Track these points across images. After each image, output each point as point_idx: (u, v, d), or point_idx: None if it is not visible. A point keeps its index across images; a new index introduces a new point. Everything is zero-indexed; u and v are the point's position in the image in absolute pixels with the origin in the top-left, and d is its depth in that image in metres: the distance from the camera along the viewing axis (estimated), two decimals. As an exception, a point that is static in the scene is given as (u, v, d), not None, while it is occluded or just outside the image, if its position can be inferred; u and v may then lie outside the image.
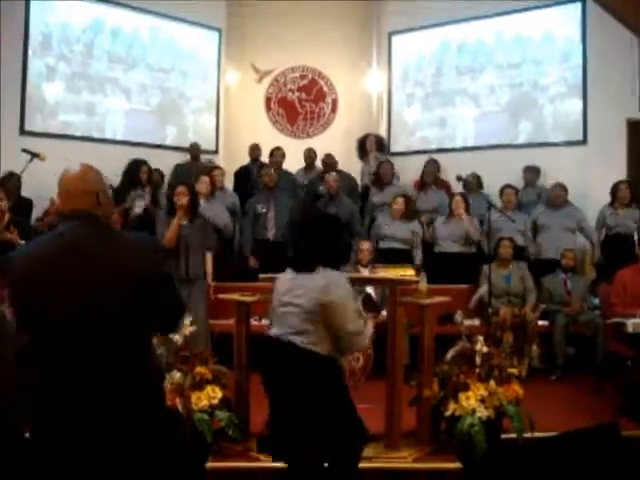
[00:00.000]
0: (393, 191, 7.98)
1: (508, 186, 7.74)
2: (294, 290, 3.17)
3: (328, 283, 3.10)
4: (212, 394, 4.18)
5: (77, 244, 2.28)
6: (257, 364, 3.29)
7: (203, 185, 7.02)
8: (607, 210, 7.37)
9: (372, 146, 9.05)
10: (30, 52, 8.38)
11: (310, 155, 9.21)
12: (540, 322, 6.55)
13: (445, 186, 8.66)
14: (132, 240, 2.49)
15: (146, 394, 2.32)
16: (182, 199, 5.77)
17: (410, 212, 7.49)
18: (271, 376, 3.20)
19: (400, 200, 7.46)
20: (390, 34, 10.18)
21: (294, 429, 3.12)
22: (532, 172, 8.42)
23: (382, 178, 8.27)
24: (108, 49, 9.13)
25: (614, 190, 7.31)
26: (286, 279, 3.27)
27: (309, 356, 3.10)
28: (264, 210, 7.58)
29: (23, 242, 6.08)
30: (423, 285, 4.41)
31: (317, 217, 3.50)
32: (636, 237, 7.20)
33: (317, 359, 3.11)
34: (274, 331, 3.22)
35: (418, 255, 7.36)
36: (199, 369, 4.21)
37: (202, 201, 6.64)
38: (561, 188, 7.60)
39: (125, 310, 2.26)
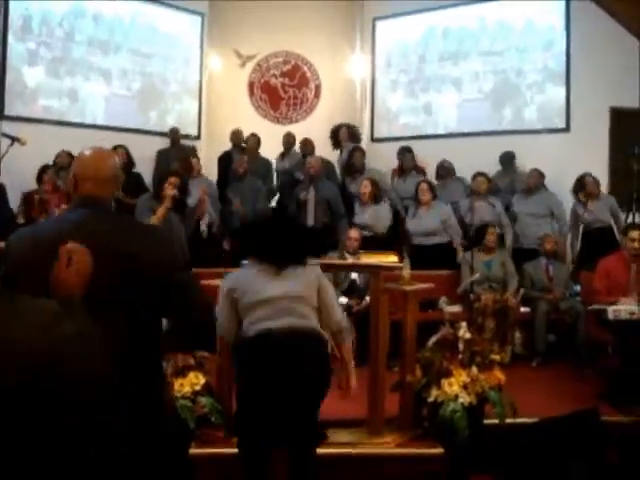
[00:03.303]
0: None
1: (480, 174, 7.71)
2: (286, 282, 3.28)
3: (316, 270, 3.37)
4: (195, 380, 4.18)
5: (87, 230, 2.17)
6: (259, 362, 3.24)
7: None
8: (578, 206, 7.39)
9: (345, 137, 9.01)
10: (10, 36, 8.25)
11: (289, 140, 9.17)
12: (522, 309, 6.59)
13: (422, 172, 8.66)
14: (143, 229, 2.43)
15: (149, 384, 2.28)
16: (171, 190, 5.79)
17: (377, 195, 7.46)
18: (282, 366, 3.19)
19: (366, 182, 7.44)
20: (374, 20, 10.14)
21: (298, 414, 3.25)
22: (508, 159, 8.41)
23: (354, 165, 8.24)
24: (89, 33, 9.00)
25: (579, 184, 7.36)
26: (265, 275, 3.30)
27: (318, 337, 3.31)
28: (232, 197, 7.64)
29: None
30: (406, 271, 4.42)
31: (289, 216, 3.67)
32: (614, 225, 7.28)
33: (323, 339, 3.34)
34: (269, 324, 3.22)
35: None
36: (182, 355, 4.20)
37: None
38: (537, 173, 7.64)
39: (128, 297, 2.16)
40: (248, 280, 3.32)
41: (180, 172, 6.53)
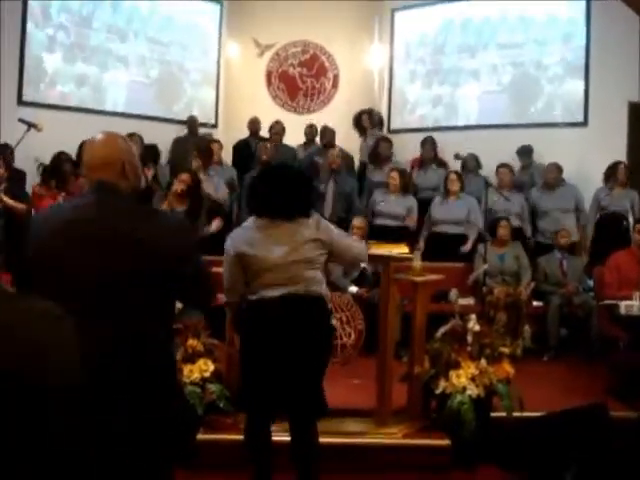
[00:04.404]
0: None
1: (503, 165, 7.71)
2: (290, 246, 3.24)
3: (317, 221, 3.31)
4: (204, 367, 4.21)
5: (91, 217, 2.20)
6: (260, 330, 3.28)
7: (195, 163, 7.03)
8: (602, 191, 7.39)
9: (368, 123, 9.02)
10: (29, 22, 8.28)
11: (311, 132, 9.22)
12: (535, 302, 6.57)
13: (443, 165, 8.63)
14: (158, 216, 2.43)
15: (162, 377, 2.28)
16: (179, 186, 5.83)
17: (406, 186, 7.48)
18: (281, 335, 3.22)
19: (395, 174, 7.45)
20: (393, 10, 10.09)
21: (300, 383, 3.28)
22: (526, 152, 8.36)
23: (380, 155, 8.26)
24: (107, 20, 9.03)
25: (611, 170, 7.31)
26: (269, 237, 3.27)
27: (320, 304, 3.31)
28: None
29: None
30: (417, 262, 4.42)
31: (294, 170, 3.58)
32: (630, 218, 7.23)
33: (324, 302, 3.34)
34: (273, 292, 3.23)
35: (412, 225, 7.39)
36: (191, 342, 4.23)
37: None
38: (556, 168, 7.59)
39: (138, 285, 2.17)
40: (254, 243, 3.27)
41: (196, 167, 6.58)
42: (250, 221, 3.38)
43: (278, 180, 3.34)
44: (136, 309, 2.18)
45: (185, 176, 5.98)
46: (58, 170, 6.87)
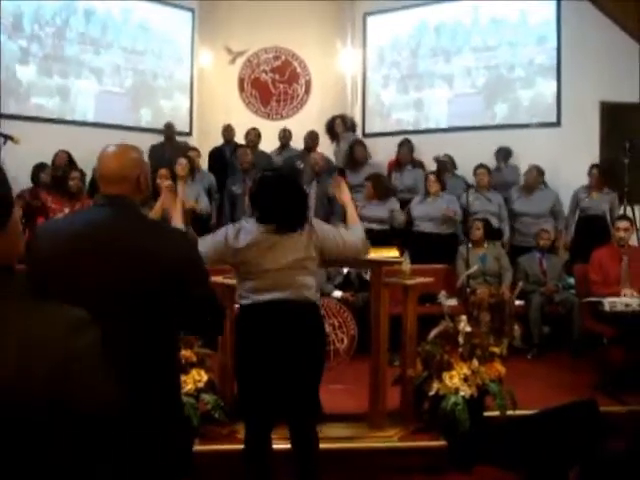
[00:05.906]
0: (367, 171, 7.93)
1: (481, 166, 7.78)
2: (288, 251, 3.25)
3: (312, 227, 3.34)
4: (197, 377, 4.19)
5: (98, 229, 2.19)
6: (257, 331, 3.26)
7: (180, 167, 6.98)
8: (581, 193, 7.47)
9: (341, 127, 9.04)
10: (2, 34, 8.17)
11: (285, 135, 9.24)
12: (517, 302, 6.63)
13: (420, 166, 8.68)
14: (164, 230, 2.43)
15: (162, 389, 2.26)
16: (166, 181, 5.77)
17: (382, 192, 7.44)
18: (279, 337, 3.21)
19: (368, 184, 7.38)
20: (365, 15, 10.13)
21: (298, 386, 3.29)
22: (503, 153, 8.45)
23: (356, 159, 8.28)
24: (81, 30, 8.95)
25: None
26: (267, 242, 3.26)
27: (309, 305, 3.31)
28: (239, 191, 7.60)
29: None
30: (406, 265, 4.45)
31: (293, 179, 3.53)
32: (608, 218, 7.34)
33: (314, 306, 3.36)
34: (269, 296, 3.23)
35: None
36: (184, 352, 4.20)
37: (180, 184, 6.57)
38: (536, 170, 7.66)
39: (144, 297, 2.16)
40: (253, 245, 3.25)
41: (170, 166, 6.57)
42: (253, 223, 3.33)
43: (281, 192, 3.32)
44: (144, 323, 2.18)
45: (164, 171, 5.94)
46: (65, 182, 6.88)
